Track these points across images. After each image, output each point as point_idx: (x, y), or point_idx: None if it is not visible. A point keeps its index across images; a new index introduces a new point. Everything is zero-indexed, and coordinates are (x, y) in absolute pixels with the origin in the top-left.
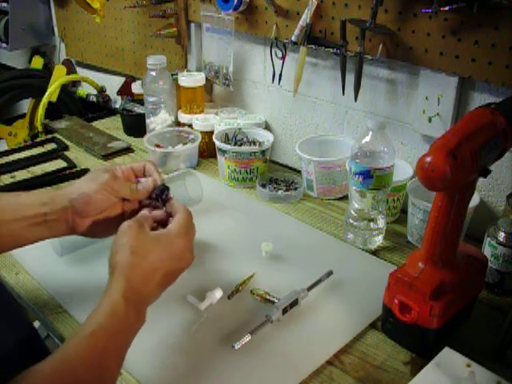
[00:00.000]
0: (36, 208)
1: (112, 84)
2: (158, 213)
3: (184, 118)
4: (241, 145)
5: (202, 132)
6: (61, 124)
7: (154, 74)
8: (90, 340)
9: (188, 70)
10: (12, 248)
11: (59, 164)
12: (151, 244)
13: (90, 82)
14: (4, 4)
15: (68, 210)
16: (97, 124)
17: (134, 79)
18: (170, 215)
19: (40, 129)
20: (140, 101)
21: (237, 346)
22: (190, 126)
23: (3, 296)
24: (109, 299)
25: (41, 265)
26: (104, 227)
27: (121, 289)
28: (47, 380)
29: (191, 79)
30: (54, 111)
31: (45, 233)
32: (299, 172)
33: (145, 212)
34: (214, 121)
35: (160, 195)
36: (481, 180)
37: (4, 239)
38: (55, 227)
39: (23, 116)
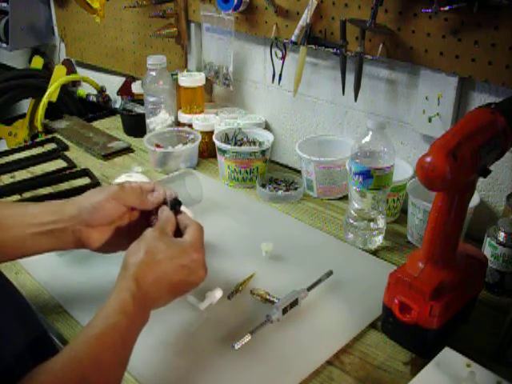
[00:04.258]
0: (44, 216)
1: (112, 84)
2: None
3: (184, 118)
4: (241, 145)
5: (202, 132)
6: (61, 124)
7: (154, 73)
8: (99, 337)
9: (188, 70)
10: (17, 257)
11: (59, 164)
12: (166, 249)
13: (90, 81)
14: (4, 4)
15: (76, 219)
16: (97, 124)
17: (134, 79)
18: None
19: (40, 129)
20: (140, 101)
21: (237, 346)
22: (190, 125)
23: (14, 296)
24: (118, 297)
25: (41, 265)
26: (111, 241)
27: (130, 288)
28: (57, 378)
29: (191, 79)
30: (54, 111)
31: (51, 243)
32: (299, 172)
33: (169, 214)
34: (213, 121)
35: (174, 206)
36: (481, 180)
37: (9, 247)
38: (62, 238)
39: (23, 116)
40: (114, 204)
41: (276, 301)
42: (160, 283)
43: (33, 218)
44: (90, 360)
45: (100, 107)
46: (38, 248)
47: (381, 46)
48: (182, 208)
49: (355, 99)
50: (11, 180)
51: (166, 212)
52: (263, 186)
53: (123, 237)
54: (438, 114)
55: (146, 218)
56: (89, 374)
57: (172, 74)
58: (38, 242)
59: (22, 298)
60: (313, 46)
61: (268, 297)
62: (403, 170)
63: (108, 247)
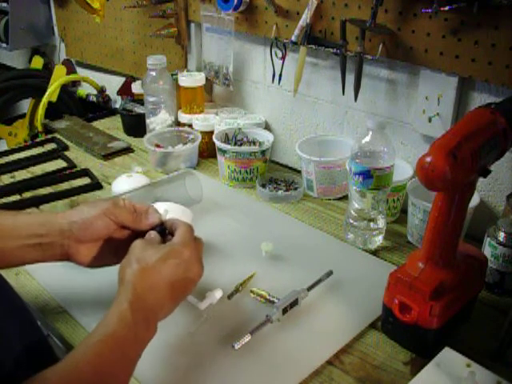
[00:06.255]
0: (33, 229)
1: (112, 84)
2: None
3: (184, 117)
4: (241, 145)
5: (202, 132)
6: (61, 124)
7: (154, 73)
8: (97, 347)
9: (188, 70)
10: (3, 267)
11: (59, 164)
12: (156, 253)
13: (90, 82)
14: (4, 4)
15: (65, 234)
16: (97, 124)
17: (134, 79)
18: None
19: (40, 129)
20: (140, 101)
21: (237, 346)
22: (190, 125)
23: (10, 298)
24: (116, 308)
25: (41, 265)
26: (99, 256)
27: (127, 297)
28: None
29: (191, 79)
30: (54, 111)
31: (37, 256)
32: (299, 172)
33: (154, 233)
34: (214, 121)
35: (160, 232)
36: (481, 180)
37: None
38: (49, 251)
39: (23, 116)
40: (105, 221)
41: (276, 301)
42: (157, 287)
43: (21, 231)
44: (89, 368)
45: (100, 107)
46: (24, 259)
47: (381, 46)
48: (182, 208)
49: (355, 99)
50: (11, 180)
51: (152, 233)
52: (263, 185)
53: (111, 253)
54: (437, 113)
55: (136, 237)
56: (87, 382)
57: (172, 74)
58: (25, 255)
59: (19, 299)
60: (313, 46)
61: (268, 297)
62: (403, 170)
63: (95, 262)
